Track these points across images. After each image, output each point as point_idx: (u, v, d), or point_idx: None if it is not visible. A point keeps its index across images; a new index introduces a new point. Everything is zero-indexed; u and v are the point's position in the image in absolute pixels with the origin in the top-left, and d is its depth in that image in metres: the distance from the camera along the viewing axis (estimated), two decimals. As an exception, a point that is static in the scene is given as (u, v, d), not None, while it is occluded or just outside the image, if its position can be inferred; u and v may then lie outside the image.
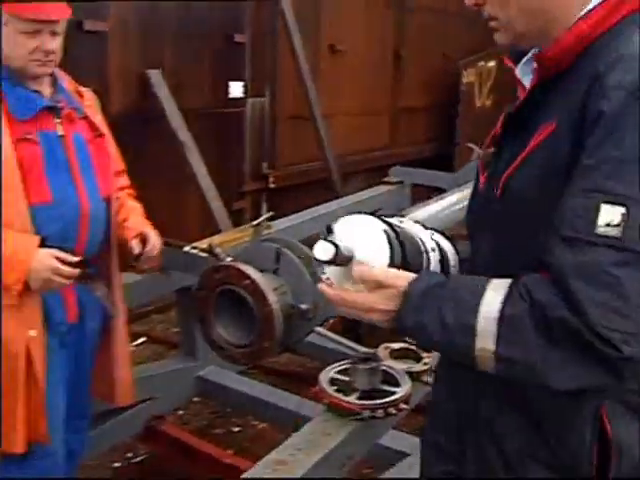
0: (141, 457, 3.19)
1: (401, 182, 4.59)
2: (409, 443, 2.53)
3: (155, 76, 4.51)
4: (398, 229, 1.29)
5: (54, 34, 1.97)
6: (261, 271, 2.40)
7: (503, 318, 1.10)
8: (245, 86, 5.34)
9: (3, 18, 1.94)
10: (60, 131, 2.02)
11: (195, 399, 3.48)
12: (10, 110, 1.93)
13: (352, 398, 1.85)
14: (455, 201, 3.97)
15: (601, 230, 1.05)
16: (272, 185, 5.71)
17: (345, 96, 6.68)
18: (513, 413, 1.27)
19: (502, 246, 1.26)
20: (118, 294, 2.26)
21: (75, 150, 2.04)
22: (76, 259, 1.92)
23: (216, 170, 4.65)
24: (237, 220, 4.95)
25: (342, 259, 1.18)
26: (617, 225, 1.04)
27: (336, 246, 1.16)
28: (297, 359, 4.13)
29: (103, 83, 4.14)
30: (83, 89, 2.22)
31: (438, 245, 1.40)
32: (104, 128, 2.19)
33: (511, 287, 1.12)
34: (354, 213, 1.30)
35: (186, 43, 4.81)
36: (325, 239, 1.18)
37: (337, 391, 1.88)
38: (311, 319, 2.44)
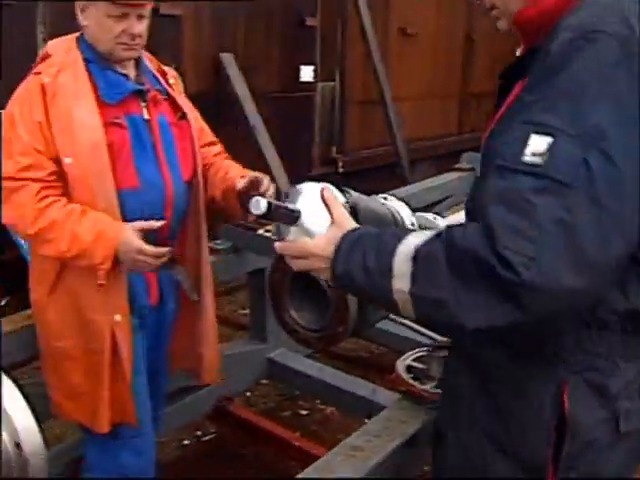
0: (210, 436, 3.23)
1: (473, 169, 4.48)
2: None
3: (227, 59, 4.54)
4: (350, 198, 1.50)
5: (141, 17, 1.95)
6: (336, 255, 2.40)
7: (417, 257, 1.11)
8: (315, 70, 5.31)
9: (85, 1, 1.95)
10: (146, 115, 2.01)
11: (263, 381, 3.49)
12: (100, 93, 1.94)
13: (428, 386, 1.82)
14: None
15: (527, 159, 1.06)
16: (341, 170, 5.69)
17: (414, 80, 6.59)
18: (478, 391, 1.29)
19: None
20: (205, 272, 2.24)
21: (160, 133, 2.03)
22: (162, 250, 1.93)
23: (285, 154, 4.65)
24: (305, 204, 4.95)
25: (285, 217, 1.29)
26: (542, 154, 1.05)
27: (269, 205, 1.23)
28: (363, 344, 4.11)
29: (178, 66, 4.18)
30: (166, 68, 2.21)
31: (420, 226, 1.55)
32: (188, 106, 2.18)
33: (436, 234, 1.14)
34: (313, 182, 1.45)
35: (258, 27, 4.82)
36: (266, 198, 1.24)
37: (413, 379, 1.85)
38: (384, 305, 2.45)
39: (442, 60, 6.95)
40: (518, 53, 1.34)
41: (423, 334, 2.17)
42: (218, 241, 2.91)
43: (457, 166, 4.58)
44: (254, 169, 2.19)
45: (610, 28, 1.10)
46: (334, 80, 5.60)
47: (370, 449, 1.65)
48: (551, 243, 1.01)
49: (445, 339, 2.00)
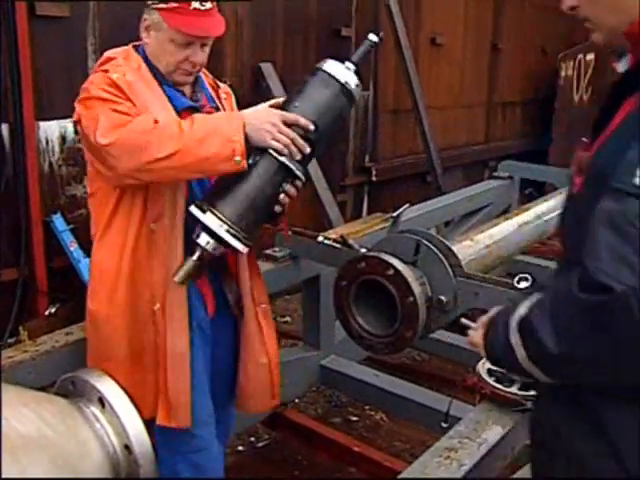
0: (264, 442, 3.26)
1: (511, 177, 4.54)
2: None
3: (267, 69, 4.60)
4: None
5: (204, 46, 1.96)
6: (402, 262, 2.43)
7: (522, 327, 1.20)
8: (350, 80, 5.35)
9: (151, 19, 1.92)
10: None
11: (313, 388, 3.52)
12: None
13: (513, 389, 1.85)
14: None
15: (637, 181, 1.06)
16: (374, 178, 5.74)
17: (443, 89, 6.65)
18: (578, 418, 1.24)
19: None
20: (256, 284, 2.17)
21: None
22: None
23: (321, 163, 4.69)
24: (340, 212, 4.98)
25: None
26: None
27: None
28: (405, 351, 4.13)
29: (219, 76, 4.24)
30: (220, 83, 2.22)
31: None
32: None
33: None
34: None
35: (295, 38, 4.88)
36: None
37: (496, 382, 1.88)
38: (449, 311, 2.47)
39: (470, 69, 7.00)
40: (621, 68, 1.31)
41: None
42: (276, 248, 2.93)
43: (495, 174, 4.62)
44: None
45: None
46: (368, 90, 5.65)
47: (462, 450, 1.67)
48: None
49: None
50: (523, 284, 2.36)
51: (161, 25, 1.91)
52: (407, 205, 2.65)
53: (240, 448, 3.22)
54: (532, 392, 1.83)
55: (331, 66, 1.88)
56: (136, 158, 1.75)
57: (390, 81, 5.86)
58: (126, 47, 2.05)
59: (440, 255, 2.45)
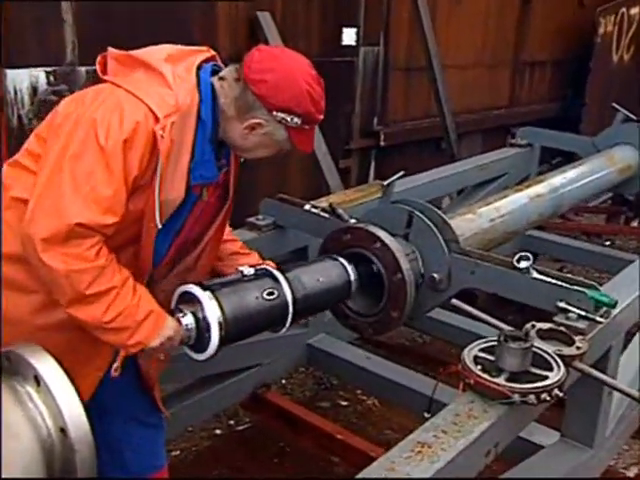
0: (244, 426, 3.25)
1: (530, 145, 4.44)
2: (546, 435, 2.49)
3: (265, 19, 4.49)
4: None
5: None
6: (392, 235, 2.38)
7: None
8: (358, 33, 5.25)
9: (267, 124, 1.87)
10: (205, 196, 1.97)
11: (300, 369, 3.50)
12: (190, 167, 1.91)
13: (501, 379, 1.80)
14: (589, 172, 3.80)
15: None
16: (383, 143, 5.63)
17: (463, 46, 6.49)
18: None
19: None
20: None
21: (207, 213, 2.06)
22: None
23: (324, 125, 4.59)
24: (343, 179, 4.90)
25: None
26: None
27: None
28: (404, 331, 4.11)
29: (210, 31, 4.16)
30: None
31: None
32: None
33: None
34: None
35: (297, -16, 4.76)
36: None
37: (482, 371, 1.82)
38: (443, 291, 2.42)
39: (495, 24, 6.83)
40: None
41: (491, 324, 2.13)
42: (260, 216, 2.89)
43: (513, 141, 4.51)
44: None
45: None
46: (378, 44, 5.52)
47: (437, 446, 1.63)
48: None
49: (513, 329, 1.97)
50: (524, 263, 2.31)
51: (276, 134, 1.89)
52: (401, 173, 2.57)
53: (217, 432, 3.22)
54: (520, 384, 1.79)
55: None
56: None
57: (403, 35, 5.71)
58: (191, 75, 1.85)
59: (434, 228, 2.39)
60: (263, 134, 1.90)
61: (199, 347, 1.94)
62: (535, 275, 2.29)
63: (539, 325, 2.07)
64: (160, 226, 1.82)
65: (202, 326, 1.90)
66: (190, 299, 1.92)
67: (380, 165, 5.80)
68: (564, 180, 3.51)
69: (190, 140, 1.82)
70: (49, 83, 3.49)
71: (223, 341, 1.91)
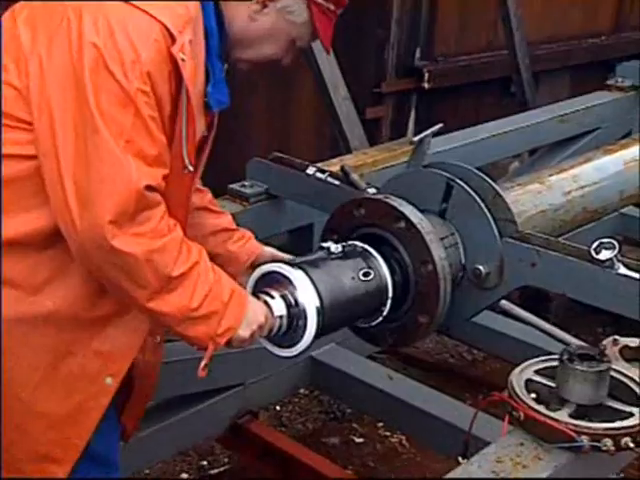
0: (220, 468, 3.28)
1: (635, 88, 4.42)
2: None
3: None
4: None
5: None
6: (422, 211, 2.37)
7: None
8: None
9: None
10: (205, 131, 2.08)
11: (301, 391, 3.52)
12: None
13: (563, 414, 1.80)
14: None
15: None
16: (428, 84, 5.64)
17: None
18: None
19: None
20: None
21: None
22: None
23: (347, 60, 4.61)
24: (371, 134, 4.93)
25: None
26: None
27: None
28: (449, 344, 4.15)
29: None
30: None
31: None
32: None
33: None
34: None
35: None
36: None
37: (537, 401, 1.83)
38: (492, 288, 2.42)
39: None
40: None
41: (553, 336, 2.13)
42: (246, 182, 2.90)
43: (610, 82, 4.50)
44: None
45: None
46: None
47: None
48: None
49: (583, 343, 1.97)
50: (605, 253, 2.29)
51: (294, 10, 2.01)
52: (439, 125, 2.56)
53: (184, 476, 3.24)
54: (591, 423, 1.78)
55: None
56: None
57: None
58: None
59: (481, 203, 2.39)
60: (278, 10, 1.99)
61: (285, 340, 2.09)
62: (622, 270, 2.27)
63: (625, 341, 2.08)
64: (192, 169, 1.91)
65: (293, 313, 2.04)
66: (271, 281, 2.08)
67: (424, 115, 5.83)
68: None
69: (203, 57, 1.90)
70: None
71: (318, 333, 2.04)
